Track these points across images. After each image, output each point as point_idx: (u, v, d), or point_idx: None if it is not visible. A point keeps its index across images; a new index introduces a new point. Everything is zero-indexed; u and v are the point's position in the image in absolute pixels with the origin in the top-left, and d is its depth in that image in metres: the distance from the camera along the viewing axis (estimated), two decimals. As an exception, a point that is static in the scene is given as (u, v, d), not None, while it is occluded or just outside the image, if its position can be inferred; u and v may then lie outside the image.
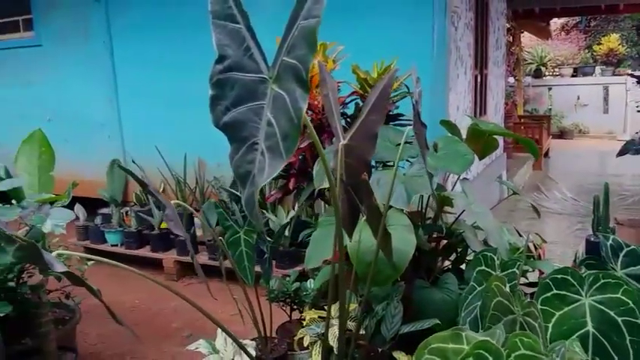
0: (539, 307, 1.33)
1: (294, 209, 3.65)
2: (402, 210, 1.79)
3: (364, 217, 1.48)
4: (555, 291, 1.41)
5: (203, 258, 4.02)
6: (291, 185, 2.43)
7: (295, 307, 2.29)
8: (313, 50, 1.04)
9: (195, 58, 4.18)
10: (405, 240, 1.66)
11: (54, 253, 1.15)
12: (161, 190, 4.45)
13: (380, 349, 1.74)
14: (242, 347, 1.47)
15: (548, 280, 1.43)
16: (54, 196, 2.27)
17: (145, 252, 4.14)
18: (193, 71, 4.22)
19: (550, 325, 1.36)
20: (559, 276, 1.42)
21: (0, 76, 5.21)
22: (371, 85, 2.26)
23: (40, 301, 2.33)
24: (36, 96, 4.98)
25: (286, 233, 3.55)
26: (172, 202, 1.51)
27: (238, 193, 4.03)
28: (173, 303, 3.74)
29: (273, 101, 1.10)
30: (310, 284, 2.24)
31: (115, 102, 4.54)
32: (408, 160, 2.31)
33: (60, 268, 1.11)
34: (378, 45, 3.26)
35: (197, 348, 1.86)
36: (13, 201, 2.45)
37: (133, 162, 3.84)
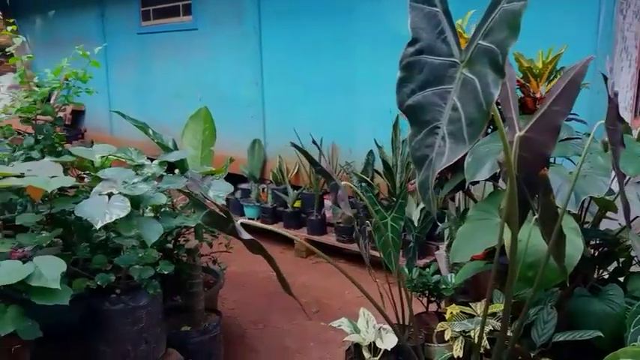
0: None
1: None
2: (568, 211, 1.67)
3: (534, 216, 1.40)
4: None
5: (331, 239, 4.12)
6: (434, 175, 2.37)
7: (433, 299, 2.25)
8: (514, 35, 0.99)
9: (339, 46, 4.27)
10: (572, 243, 1.54)
11: (238, 222, 1.24)
12: (295, 171, 4.62)
13: (532, 354, 1.65)
14: (396, 331, 1.47)
15: None
16: (214, 169, 2.46)
17: (278, 228, 4.34)
18: (336, 58, 4.32)
19: None
20: None
21: (160, 57, 5.74)
22: (535, 74, 2.12)
23: (194, 263, 2.54)
24: (190, 76, 5.41)
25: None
26: (343, 183, 1.54)
27: (368, 179, 4.05)
28: (302, 278, 3.90)
29: (461, 85, 1.06)
30: (451, 279, 2.18)
31: (260, 84, 4.77)
32: (568, 159, 2.15)
33: (246, 236, 1.19)
34: (537, 32, 3.04)
35: (340, 325, 1.91)
36: (176, 171, 2.69)
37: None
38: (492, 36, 1.01)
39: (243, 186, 4.77)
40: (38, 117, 2.42)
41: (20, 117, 2.45)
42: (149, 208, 2.52)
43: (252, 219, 4.53)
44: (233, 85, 4.99)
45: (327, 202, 4.29)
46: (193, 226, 2.39)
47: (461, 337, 1.85)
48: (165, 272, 2.25)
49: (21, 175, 1.91)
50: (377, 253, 2.15)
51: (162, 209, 2.59)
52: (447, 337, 1.88)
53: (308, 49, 4.43)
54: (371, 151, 4.07)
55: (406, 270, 2.13)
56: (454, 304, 2.02)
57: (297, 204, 4.43)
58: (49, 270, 1.72)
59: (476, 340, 1.74)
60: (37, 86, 2.43)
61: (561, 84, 1.29)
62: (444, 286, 2.16)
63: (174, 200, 2.79)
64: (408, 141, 1.13)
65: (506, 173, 1.31)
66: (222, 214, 1.21)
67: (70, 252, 2.17)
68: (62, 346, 2.23)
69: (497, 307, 1.86)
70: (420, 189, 1.11)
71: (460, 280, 2.05)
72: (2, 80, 6.30)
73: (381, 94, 4.01)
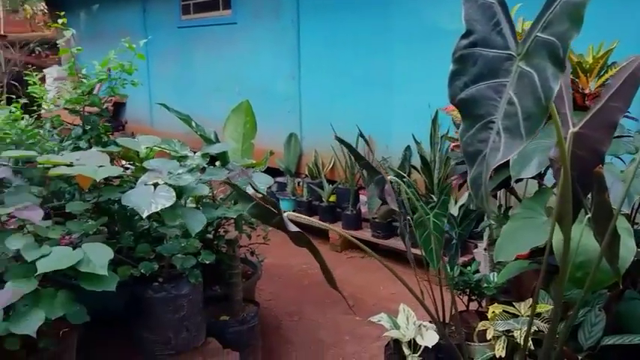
0: None
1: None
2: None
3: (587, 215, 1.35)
4: None
5: (366, 234, 4.10)
6: (476, 172, 2.33)
7: (473, 297, 2.22)
8: (576, 28, 0.96)
9: (377, 41, 4.23)
10: (625, 245, 1.48)
11: (284, 215, 1.24)
12: (330, 165, 4.62)
13: (579, 357, 1.61)
14: (440, 328, 1.46)
15: None
16: (254, 162, 2.48)
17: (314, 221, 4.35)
18: (373, 53, 4.30)
19: None
20: None
21: (200, 50, 5.82)
22: (585, 69, 2.05)
23: (233, 254, 2.57)
24: (229, 70, 5.47)
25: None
26: (389, 177, 1.53)
27: (405, 175, 4.01)
28: (336, 272, 3.87)
29: (517, 79, 1.04)
30: (493, 277, 2.14)
31: (297, 78, 4.79)
32: (618, 157, 2.08)
33: (293, 228, 1.19)
34: (585, 26, 2.94)
35: (379, 321, 1.90)
36: (217, 163, 2.73)
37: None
38: (552, 28, 0.98)
39: (279, 179, 4.80)
40: (85, 108, 2.49)
41: (66, 108, 2.53)
42: (190, 199, 2.56)
43: (286, 211, 4.55)
44: (271, 79, 5.02)
45: (363, 197, 4.27)
46: (234, 217, 2.41)
47: (503, 337, 1.82)
48: (207, 262, 2.29)
49: (70, 165, 1.97)
50: (416, 250, 2.14)
51: (204, 200, 2.63)
52: (488, 336, 1.85)
53: (346, 44, 4.41)
54: (408, 147, 4.03)
55: (447, 267, 2.10)
56: (496, 304, 1.99)
57: (333, 198, 4.43)
58: (97, 257, 1.78)
59: (520, 341, 1.71)
60: (84, 78, 2.50)
61: (619, 79, 1.24)
62: (485, 285, 2.12)
63: (215, 192, 2.83)
64: (459, 136, 1.12)
65: (559, 171, 1.28)
66: (269, 206, 1.21)
67: (115, 240, 2.23)
68: (107, 331, 2.29)
69: (543, 307, 1.81)
70: (472, 185, 1.09)
71: (503, 280, 2.01)
72: (49, 72, 6.53)
73: (420, 88, 3.97)
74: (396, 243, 3.90)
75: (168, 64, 6.28)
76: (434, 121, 3.74)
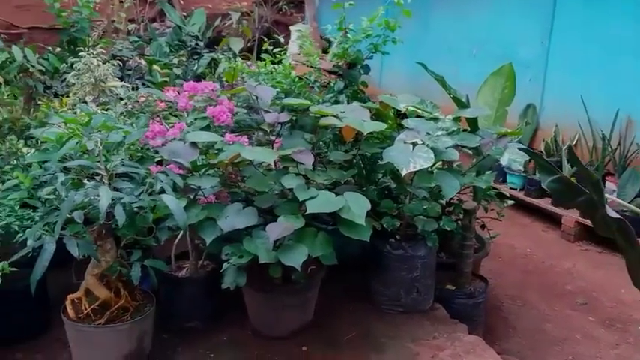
0: None
1: None
2: None
3: None
4: None
5: (609, 227, 3.60)
6: None
7: None
8: None
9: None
10: None
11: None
12: (573, 143, 4.13)
13: None
14: None
15: None
16: (510, 131, 2.31)
17: (544, 204, 3.98)
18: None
19: None
20: None
21: (437, 8, 5.58)
22: None
23: (469, 225, 2.47)
24: (465, 31, 5.18)
25: None
26: None
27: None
28: (566, 264, 3.52)
29: None
30: None
31: (546, 43, 4.31)
32: None
33: (613, 214, 1.04)
34: None
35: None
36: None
37: None
38: None
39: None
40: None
41: (313, 66, 2.63)
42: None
43: (515, 189, 4.24)
44: (512, 43, 4.62)
45: (610, 186, 3.74)
46: (483, 187, 2.30)
47: None
48: (448, 229, 2.25)
49: (336, 117, 2.07)
50: None
51: (438, 166, 2.57)
52: None
53: (614, 4, 3.79)
54: (682, 132, 3.36)
55: None
56: None
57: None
58: (357, 206, 1.85)
59: None
60: (321, 40, 2.56)
61: None
62: None
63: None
64: None
65: None
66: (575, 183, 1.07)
67: (363, 193, 2.31)
68: (342, 277, 2.44)
69: None
70: None
71: None
72: (293, 29, 7.07)
73: None
74: (646, 242, 3.34)
75: (402, 23, 6.23)
76: None
